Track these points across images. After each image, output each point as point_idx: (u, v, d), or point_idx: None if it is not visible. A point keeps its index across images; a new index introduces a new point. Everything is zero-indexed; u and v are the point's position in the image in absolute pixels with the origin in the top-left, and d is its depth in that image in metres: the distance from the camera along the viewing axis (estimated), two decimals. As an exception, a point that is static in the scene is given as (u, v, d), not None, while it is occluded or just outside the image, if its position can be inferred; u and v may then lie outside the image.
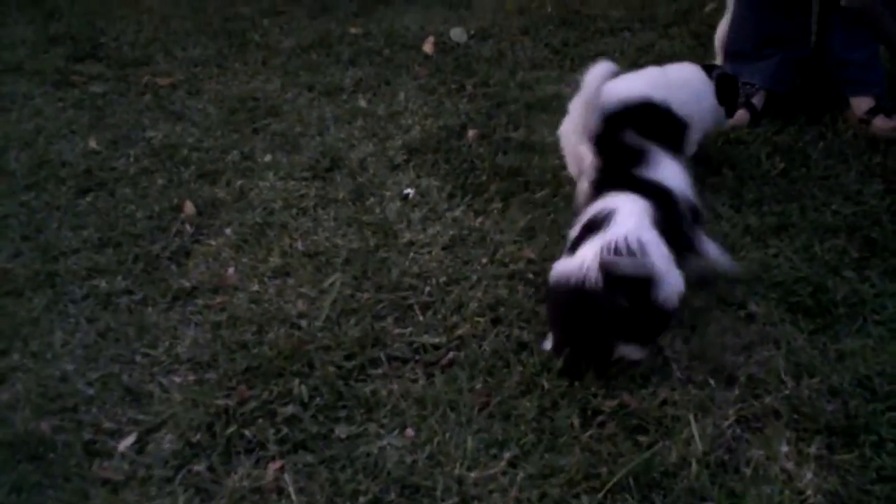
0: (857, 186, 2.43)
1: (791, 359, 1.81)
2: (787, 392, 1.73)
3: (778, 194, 2.39)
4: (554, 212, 2.31)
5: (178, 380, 1.77)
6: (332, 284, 2.02)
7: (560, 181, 2.45)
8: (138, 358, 1.83)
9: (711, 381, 1.77)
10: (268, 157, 2.58)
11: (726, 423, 1.67)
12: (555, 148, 2.60)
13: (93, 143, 2.68)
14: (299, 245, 2.17)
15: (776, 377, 1.77)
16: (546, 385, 1.73)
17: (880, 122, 2.73)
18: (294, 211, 2.33)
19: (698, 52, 3.40)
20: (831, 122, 2.76)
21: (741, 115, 2.73)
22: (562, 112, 2.81)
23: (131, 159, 2.59)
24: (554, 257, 2.11)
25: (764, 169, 2.51)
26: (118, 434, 1.64)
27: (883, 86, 2.84)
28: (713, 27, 3.68)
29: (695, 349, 1.84)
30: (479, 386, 1.74)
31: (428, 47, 3.39)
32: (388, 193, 2.39)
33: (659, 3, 3.96)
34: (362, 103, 2.91)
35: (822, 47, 2.86)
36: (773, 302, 1.99)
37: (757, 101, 2.81)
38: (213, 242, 2.21)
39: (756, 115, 2.79)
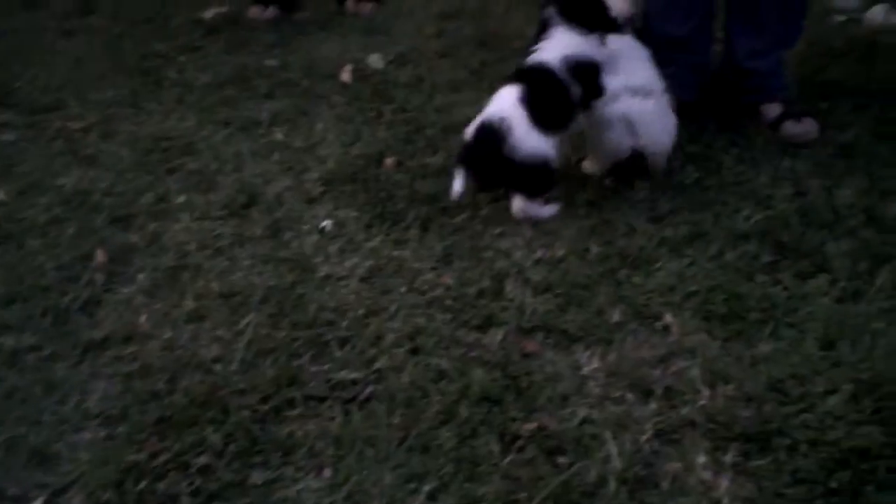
0: (768, 191, 2.48)
1: (706, 367, 1.83)
2: (703, 402, 1.75)
3: (692, 204, 2.43)
4: (472, 235, 2.32)
5: (87, 436, 1.72)
6: (247, 325, 1.98)
7: (478, 203, 2.46)
8: (46, 416, 1.77)
9: (629, 396, 1.78)
10: (182, 198, 2.53)
11: (644, 438, 1.67)
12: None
13: (1, 195, 2.61)
14: (215, 286, 2.14)
15: (692, 387, 1.79)
16: (465, 413, 1.72)
17: (790, 127, 2.79)
18: (209, 251, 2.29)
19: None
20: (742, 129, 2.82)
21: None
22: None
23: (41, 208, 2.52)
24: (472, 281, 2.13)
25: (678, 179, 2.55)
26: (24, 500, 1.58)
27: (787, 90, 2.91)
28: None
29: (612, 365, 1.85)
30: (397, 419, 1.72)
31: (345, 76, 3.38)
32: (305, 227, 2.37)
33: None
34: (279, 136, 2.89)
35: (727, 56, 2.93)
36: (689, 312, 2.01)
37: None
38: (125, 290, 2.17)
39: None
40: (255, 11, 4.16)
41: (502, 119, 2.28)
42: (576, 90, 2.36)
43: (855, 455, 1.62)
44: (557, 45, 2.36)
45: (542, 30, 2.42)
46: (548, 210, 2.40)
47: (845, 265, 2.14)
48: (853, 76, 3.31)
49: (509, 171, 2.30)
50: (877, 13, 4.04)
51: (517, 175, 2.32)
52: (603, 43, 2.38)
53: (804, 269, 2.15)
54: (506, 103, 2.32)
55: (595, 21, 2.38)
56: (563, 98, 2.36)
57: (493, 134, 2.28)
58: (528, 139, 2.28)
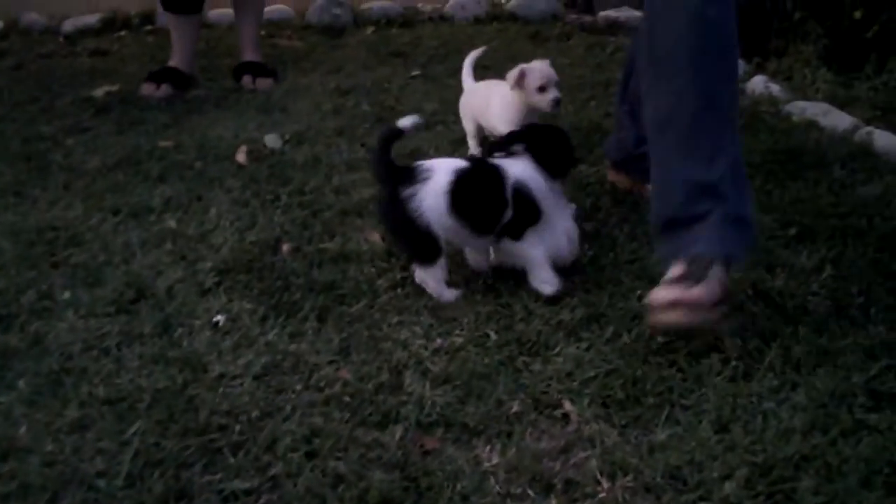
0: (660, 269, 2.53)
1: (606, 458, 1.83)
2: (602, 494, 1.74)
3: (587, 284, 2.46)
4: (370, 325, 2.28)
5: (-45, 570, 1.60)
6: (134, 434, 1.89)
7: (376, 291, 2.43)
8: None
9: (530, 492, 1.76)
10: (67, 294, 2.42)
11: (545, 538, 1.66)
12: (370, 256, 2.60)
13: None
14: (100, 391, 2.03)
15: (592, 479, 1.78)
16: (363, 521, 1.67)
17: None
18: (95, 352, 2.18)
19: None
20: (633, 205, 2.89)
21: None
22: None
23: (-87, 311, 2.38)
24: (370, 375, 2.09)
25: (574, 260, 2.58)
26: None
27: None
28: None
29: (512, 459, 1.83)
30: (293, 532, 1.66)
31: (241, 157, 3.34)
32: (197, 322, 2.29)
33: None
34: (171, 223, 2.81)
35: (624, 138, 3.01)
36: (587, 398, 2.01)
37: None
38: (3, 399, 2.04)
39: None
40: (147, 89, 4.09)
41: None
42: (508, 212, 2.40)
43: (752, 543, 1.64)
44: (517, 167, 2.43)
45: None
46: (448, 294, 2.41)
47: (736, 343, 2.19)
48: (737, 147, 3.44)
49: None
50: (757, 83, 4.26)
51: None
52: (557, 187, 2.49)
53: (697, 348, 2.19)
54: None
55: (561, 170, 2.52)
56: (494, 208, 2.40)
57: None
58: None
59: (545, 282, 2.42)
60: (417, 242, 2.35)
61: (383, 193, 2.37)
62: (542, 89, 2.98)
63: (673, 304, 2.09)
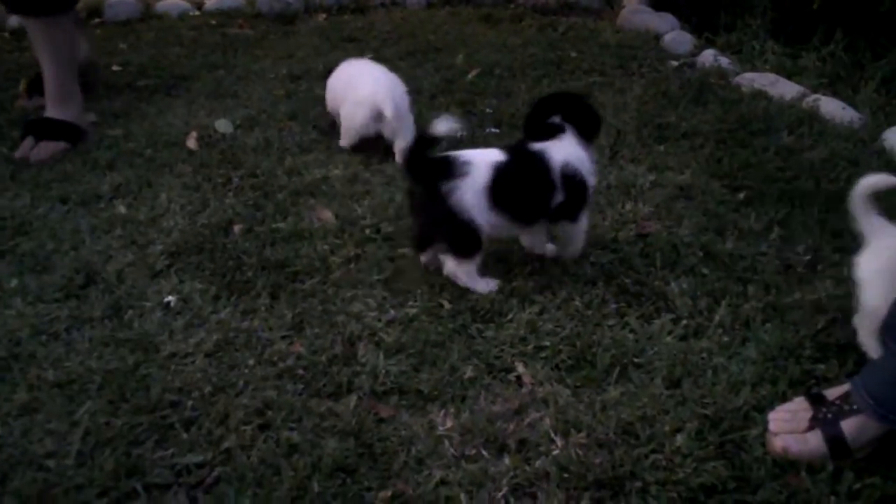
0: (612, 234, 2.56)
1: (559, 417, 1.85)
2: (556, 452, 1.75)
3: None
4: (323, 300, 2.27)
5: None
6: (84, 414, 1.87)
7: (329, 267, 2.42)
8: None
9: (484, 453, 1.77)
10: (14, 282, 2.38)
11: (500, 495, 1.66)
12: (323, 234, 2.59)
13: None
14: (49, 375, 2.00)
15: (546, 438, 1.80)
16: (317, 488, 1.66)
17: None
18: (44, 337, 2.15)
19: (464, 119, 3.51)
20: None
21: None
22: (331, 195, 2.83)
23: None
24: (324, 348, 2.09)
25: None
26: None
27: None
28: (477, 94, 3.86)
29: (467, 422, 1.84)
30: (247, 502, 1.65)
31: (191, 143, 3.30)
32: (148, 304, 2.27)
33: (423, 77, 4.07)
34: (121, 210, 2.77)
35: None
36: (540, 362, 2.03)
37: None
38: (-50, 387, 2.00)
39: None
40: (23, 149, 3.25)
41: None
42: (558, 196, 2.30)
43: (703, 492, 1.66)
44: (561, 149, 2.30)
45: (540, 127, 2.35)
46: (483, 285, 2.32)
47: (687, 303, 2.22)
48: (688, 118, 3.48)
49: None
50: (706, 57, 4.30)
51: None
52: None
53: (649, 310, 2.21)
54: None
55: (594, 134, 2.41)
56: (541, 196, 2.31)
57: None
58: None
59: (577, 252, 2.43)
60: (459, 237, 2.23)
61: (420, 188, 2.26)
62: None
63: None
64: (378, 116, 3.06)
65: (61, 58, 3.35)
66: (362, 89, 3.12)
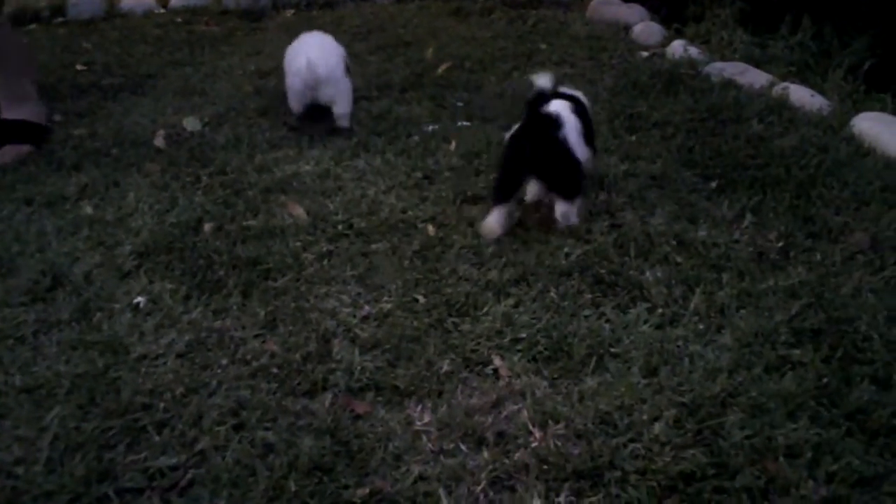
0: (587, 225, 2.55)
1: (537, 409, 1.83)
2: (534, 444, 1.74)
3: (516, 244, 2.46)
4: (296, 297, 2.25)
5: None
6: (53, 419, 1.82)
7: (302, 263, 2.39)
8: None
9: (462, 447, 1.75)
10: (-22, 287, 2.33)
11: (479, 489, 1.65)
12: (295, 231, 2.56)
13: None
14: (16, 380, 1.96)
15: (524, 430, 1.78)
16: (294, 487, 1.64)
17: None
18: (10, 342, 2.10)
19: (436, 113, 3.49)
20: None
21: None
22: (302, 191, 2.80)
23: None
24: (298, 346, 2.06)
25: (500, 221, 2.57)
26: None
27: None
28: (448, 87, 3.83)
29: (444, 416, 1.82)
30: (222, 503, 1.62)
31: (159, 141, 3.25)
32: (117, 306, 2.22)
33: (394, 71, 4.05)
34: (88, 210, 2.72)
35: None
36: (517, 354, 2.01)
37: None
38: (-87, 395, 1.95)
39: None
40: None
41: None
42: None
43: (682, 479, 1.65)
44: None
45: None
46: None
47: (661, 292, 2.21)
48: (659, 108, 3.49)
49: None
50: (676, 48, 4.31)
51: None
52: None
53: (624, 299, 2.21)
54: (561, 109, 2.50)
55: None
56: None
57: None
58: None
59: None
60: (578, 178, 2.50)
61: (541, 140, 2.44)
62: None
63: None
64: (314, 82, 3.20)
65: (6, 60, 3.34)
66: (299, 58, 3.24)
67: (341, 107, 3.30)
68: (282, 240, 2.51)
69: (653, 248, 2.42)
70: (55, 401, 1.89)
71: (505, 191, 2.49)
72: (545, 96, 2.49)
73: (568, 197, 2.50)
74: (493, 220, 2.48)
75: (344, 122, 3.31)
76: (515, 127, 2.55)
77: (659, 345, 2.02)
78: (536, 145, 2.43)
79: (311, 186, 2.85)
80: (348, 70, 3.38)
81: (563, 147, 2.43)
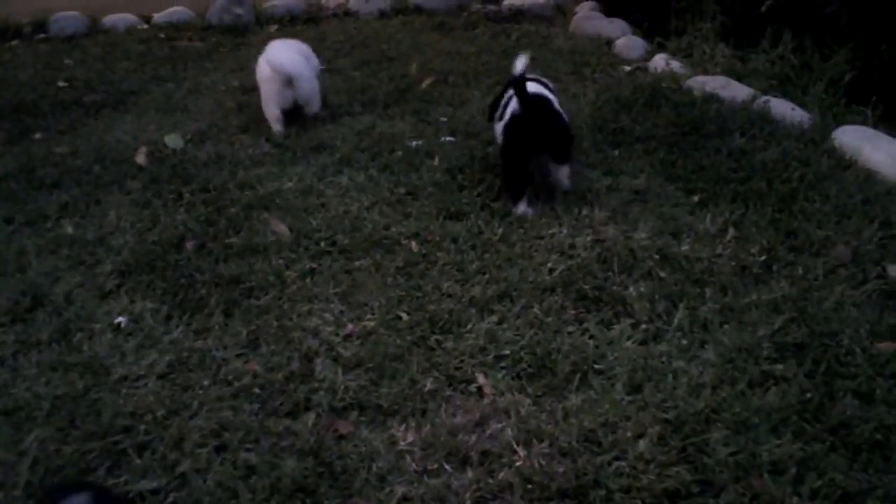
0: (570, 240, 2.55)
1: (521, 427, 1.83)
2: (519, 462, 1.73)
3: (499, 260, 2.45)
4: (279, 316, 2.23)
5: None
6: (32, 443, 1.80)
7: (284, 281, 2.38)
8: None
9: (447, 467, 1.74)
10: (-43, 308, 2.30)
11: (463, 510, 1.64)
12: (277, 248, 2.54)
13: None
14: (-6, 403, 1.94)
15: (508, 448, 1.78)
16: (276, 510, 1.62)
17: None
18: (-11, 364, 2.08)
19: (419, 128, 3.49)
20: (540, 185, 2.89)
21: None
22: (285, 208, 2.79)
23: None
24: (281, 365, 2.04)
25: (485, 237, 2.57)
26: None
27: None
28: (431, 102, 3.84)
29: (428, 436, 1.81)
30: (203, 527, 1.60)
31: (141, 158, 3.23)
32: (97, 326, 2.20)
33: (377, 86, 4.05)
34: (68, 229, 2.70)
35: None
36: (501, 371, 2.01)
37: None
38: None
39: None
40: None
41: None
42: None
43: (667, 497, 1.65)
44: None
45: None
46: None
47: (645, 307, 2.21)
48: (642, 122, 3.50)
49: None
50: (658, 61, 4.33)
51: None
52: None
53: (608, 315, 2.20)
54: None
55: None
56: None
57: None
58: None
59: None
60: (569, 144, 2.77)
61: (545, 120, 2.68)
62: None
63: None
64: (287, 82, 3.34)
65: None
66: (264, 64, 3.38)
67: (311, 110, 3.52)
68: (264, 257, 2.50)
69: (636, 263, 2.42)
70: (34, 423, 1.87)
71: (518, 185, 2.74)
72: (525, 80, 2.68)
73: (566, 161, 2.79)
74: (523, 210, 2.73)
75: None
76: (505, 111, 2.78)
77: (643, 361, 2.02)
78: (543, 125, 2.68)
79: (294, 203, 2.83)
80: (320, 70, 3.59)
81: (563, 121, 2.73)
